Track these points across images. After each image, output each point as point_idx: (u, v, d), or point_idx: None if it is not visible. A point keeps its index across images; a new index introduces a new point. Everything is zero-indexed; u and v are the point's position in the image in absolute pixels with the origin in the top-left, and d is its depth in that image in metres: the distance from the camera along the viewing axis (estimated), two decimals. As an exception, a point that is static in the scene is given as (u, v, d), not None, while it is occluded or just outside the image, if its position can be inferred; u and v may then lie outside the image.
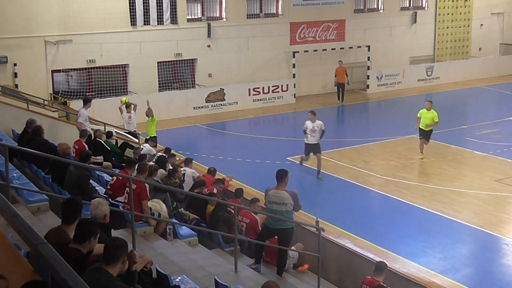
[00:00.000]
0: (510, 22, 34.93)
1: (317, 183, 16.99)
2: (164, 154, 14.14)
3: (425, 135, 18.71)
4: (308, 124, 17.26)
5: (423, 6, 32.30)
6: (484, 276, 11.89)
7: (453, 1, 32.79)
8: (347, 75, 27.28)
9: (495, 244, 13.30)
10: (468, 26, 33.54)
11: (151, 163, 12.53)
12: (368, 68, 29.59)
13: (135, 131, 18.24)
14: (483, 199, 15.46)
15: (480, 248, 13.29)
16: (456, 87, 30.73)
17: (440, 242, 13.15)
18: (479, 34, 33.89)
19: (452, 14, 32.91)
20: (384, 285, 8.60)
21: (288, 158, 18.93)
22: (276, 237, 10.08)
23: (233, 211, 10.67)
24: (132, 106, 18.39)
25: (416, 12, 31.73)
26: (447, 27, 32.90)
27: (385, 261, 9.13)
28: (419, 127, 18.79)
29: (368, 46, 29.36)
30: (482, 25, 33.93)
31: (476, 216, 14.47)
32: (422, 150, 18.79)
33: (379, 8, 30.97)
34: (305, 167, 18.14)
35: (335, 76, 27.25)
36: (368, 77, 29.66)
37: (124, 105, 18.40)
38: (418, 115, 18.97)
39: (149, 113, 17.84)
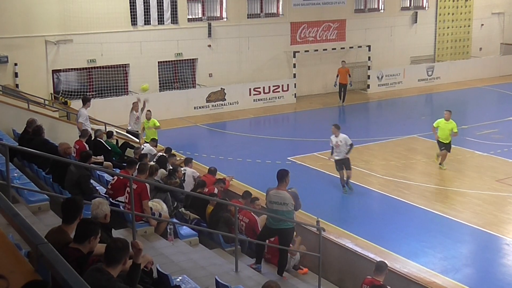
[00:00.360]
0: (511, 22, 34.92)
1: (317, 183, 16.96)
2: (164, 154, 14.15)
3: (446, 146, 17.58)
4: (332, 138, 16.23)
5: (424, 6, 32.30)
6: (484, 276, 11.89)
7: (453, 1, 32.77)
8: (349, 76, 27.14)
9: (495, 244, 13.30)
10: (469, 26, 33.53)
11: (151, 163, 12.54)
12: (369, 68, 29.58)
13: (137, 131, 18.20)
14: (483, 199, 15.46)
15: (480, 248, 13.29)
16: (456, 87, 30.73)
17: (441, 242, 13.15)
18: (480, 34, 33.88)
19: (453, 14, 32.90)
20: (385, 285, 8.59)
21: (288, 158, 18.94)
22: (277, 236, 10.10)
23: (232, 212, 10.69)
24: (140, 106, 18.27)
25: (416, 12, 31.72)
26: (448, 27, 32.89)
27: (385, 261, 9.12)
28: (438, 140, 17.66)
29: (369, 46, 29.35)
30: (482, 25, 33.92)
31: (476, 216, 14.46)
32: (442, 161, 17.65)
33: (380, 8, 30.97)
34: (304, 167, 18.15)
35: (337, 76, 27.16)
36: (368, 77, 29.66)
37: (143, 92, 17.93)
38: (434, 125, 17.84)
39: (148, 115, 17.75)
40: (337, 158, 16.07)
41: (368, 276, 8.77)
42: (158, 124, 17.85)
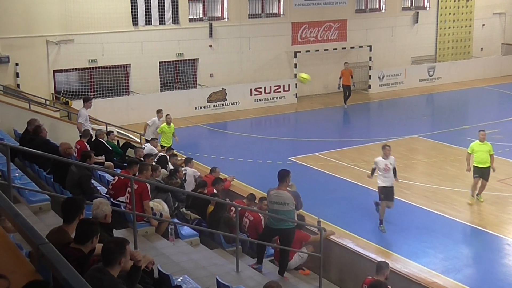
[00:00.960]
0: (511, 22, 34.88)
1: (318, 183, 16.94)
2: (165, 154, 14.16)
3: (483, 172, 15.20)
4: (379, 161, 13.81)
5: (425, 6, 32.28)
6: (485, 277, 11.88)
7: (455, 1, 32.76)
8: (352, 77, 26.91)
9: (496, 244, 13.30)
10: (470, 26, 33.51)
11: (152, 162, 12.54)
12: (370, 68, 29.57)
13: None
14: (484, 199, 15.42)
15: (481, 248, 13.27)
16: (457, 87, 30.72)
17: (442, 242, 13.14)
18: (481, 34, 33.86)
19: (454, 14, 32.88)
20: (384, 284, 8.51)
21: (290, 158, 18.93)
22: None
23: (233, 212, 10.70)
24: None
25: (418, 12, 31.71)
26: (449, 27, 32.88)
27: (386, 261, 9.12)
28: (474, 165, 15.22)
29: (370, 46, 29.34)
30: (484, 25, 33.88)
31: (477, 216, 14.47)
32: (474, 193, 15.23)
33: (381, 8, 30.96)
34: (306, 167, 18.14)
35: (340, 78, 27.00)
36: (370, 77, 29.64)
37: (302, 80, 15.96)
38: (469, 150, 15.43)
39: (169, 119, 17.61)
40: (385, 184, 13.70)
41: (368, 276, 8.77)
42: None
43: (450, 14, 32.79)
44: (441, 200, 15.44)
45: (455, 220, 14.23)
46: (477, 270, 12.26)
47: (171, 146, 17.00)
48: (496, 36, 34.57)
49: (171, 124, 17.63)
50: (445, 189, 16.24)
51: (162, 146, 16.82)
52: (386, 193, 13.77)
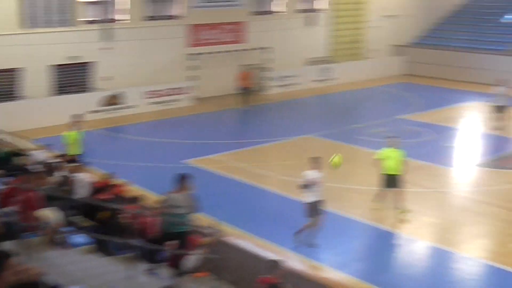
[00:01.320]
0: (402, 24, 36.57)
1: (213, 185, 17.05)
2: (56, 161, 13.81)
3: (394, 182, 14.52)
4: (314, 174, 12.80)
5: (320, 9, 33.20)
6: (374, 269, 12.49)
7: (349, 4, 34.06)
8: (251, 79, 27.32)
9: (386, 239, 13.99)
10: (363, 28, 34.91)
11: (41, 170, 12.21)
12: (267, 69, 30.10)
13: None
14: (374, 194, 16.09)
15: (371, 242, 13.96)
16: (351, 87, 31.87)
17: (334, 238, 13.59)
18: (373, 36, 35.28)
19: (348, 16, 34.17)
20: (278, 282, 8.77)
21: (185, 161, 18.87)
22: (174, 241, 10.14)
23: (126, 218, 10.63)
24: None
25: (313, 15, 32.62)
26: (343, 29, 34.09)
27: (278, 259, 9.35)
28: (383, 174, 14.59)
29: (268, 48, 29.89)
30: (375, 27, 35.29)
31: (367, 212, 15.07)
32: (380, 201, 14.85)
33: (278, 11, 31.58)
34: (202, 169, 18.20)
35: (239, 80, 27.31)
36: (266, 78, 30.18)
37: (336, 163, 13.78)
38: (376, 157, 14.93)
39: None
40: (315, 199, 12.76)
41: (262, 275, 8.96)
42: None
43: (344, 16, 34.00)
44: (333, 198, 15.83)
45: (346, 217, 14.77)
46: (366, 263, 12.83)
47: (77, 154, 16.23)
48: (387, 38, 36.10)
49: (80, 131, 16.88)
50: (337, 187, 16.76)
51: (70, 155, 15.74)
52: (318, 207, 12.93)
